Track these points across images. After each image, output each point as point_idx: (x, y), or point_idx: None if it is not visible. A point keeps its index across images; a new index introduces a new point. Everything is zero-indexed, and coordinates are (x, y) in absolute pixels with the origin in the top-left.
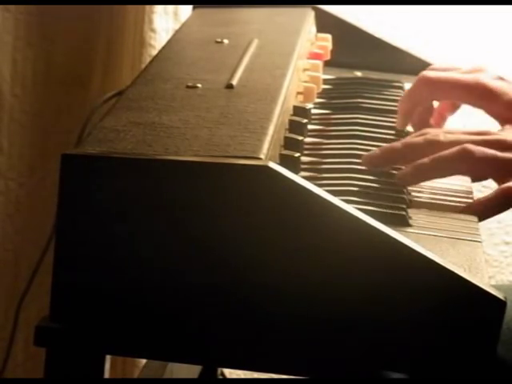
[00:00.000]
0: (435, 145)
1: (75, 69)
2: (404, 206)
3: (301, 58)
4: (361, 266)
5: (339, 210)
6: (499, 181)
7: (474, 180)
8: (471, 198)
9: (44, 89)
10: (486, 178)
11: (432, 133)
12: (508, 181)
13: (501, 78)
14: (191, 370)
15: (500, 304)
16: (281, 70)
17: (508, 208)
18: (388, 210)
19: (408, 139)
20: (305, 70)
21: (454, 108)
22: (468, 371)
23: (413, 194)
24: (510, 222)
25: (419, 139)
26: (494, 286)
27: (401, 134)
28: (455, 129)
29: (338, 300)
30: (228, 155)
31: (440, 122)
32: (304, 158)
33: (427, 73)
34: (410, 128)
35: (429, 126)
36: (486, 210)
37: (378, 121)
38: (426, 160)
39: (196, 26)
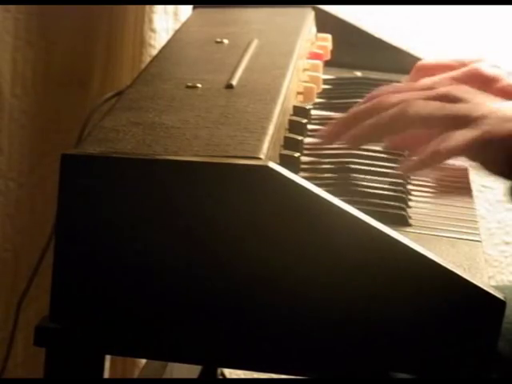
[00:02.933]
0: (385, 105)
1: (75, 69)
2: (404, 206)
3: (301, 58)
4: (361, 266)
5: (339, 210)
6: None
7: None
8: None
9: (44, 89)
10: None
11: (380, 94)
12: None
13: (496, 66)
14: (191, 370)
15: (500, 304)
16: (281, 69)
17: (442, 161)
18: (388, 210)
19: (354, 108)
20: (305, 70)
21: None
22: (468, 371)
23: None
24: (510, 222)
25: (366, 105)
26: (494, 287)
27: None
28: (406, 85)
29: (338, 300)
30: (228, 155)
31: None
32: (304, 158)
33: (423, 61)
34: None
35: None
36: (414, 166)
37: None
38: (371, 119)
39: (196, 26)
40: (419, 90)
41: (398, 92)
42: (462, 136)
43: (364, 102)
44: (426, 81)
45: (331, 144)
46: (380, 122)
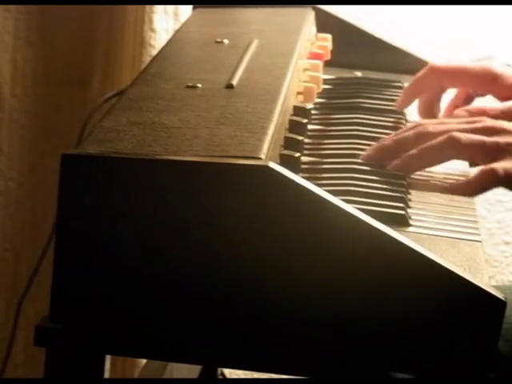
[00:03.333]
0: (424, 136)
1: (75, 69)
2: (404, 206)
3: (301, 58)
4: (361, 266)
5: (339, 209)
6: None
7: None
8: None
9: (44, 89)
10: (475, 164)
11: (422, 125)
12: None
13: (508, 65)
14: (191, 370)
15: (500, 304)
16: (281, 70)
17: (489, 189)
18: (388, 210)
19: (399, 134)
20: (305, 69)
21: (469, 100)
22: (468, 371)
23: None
24: (510, 222)
25: (409, 133)
26: (494, 287)
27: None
28: (447, 119)
29: (338, 300)
30: (228, 155)
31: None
32: (304, 158)
33: (435, 62)
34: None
35: (434, 113)
36: (468, 189)
37: (378, 121)
38: (414, 150)
39: (196, 26)
40: (462, 122)
41: (442, 123)
42: (506, 165)
43: (405, 130)
44: (468, 113)
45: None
46: (425, 152)
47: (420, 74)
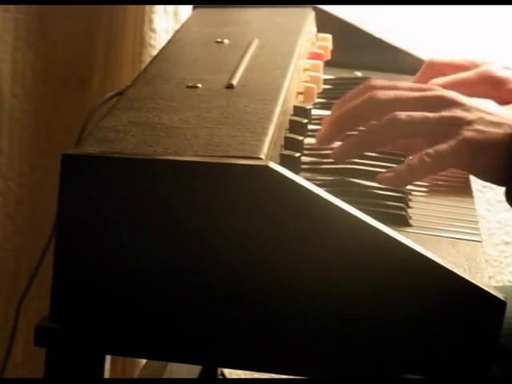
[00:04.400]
0: (375, 105)
1: (75, 69)
2: (404, 206)
3: (301, 58)
4: (361, 266)
5: (339, 209)
6: (434, 141)
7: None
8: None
9: (44, 89)
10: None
11: (373, 87)
12: (440, 142)
13: (507, 68)
14: (191, 370)
15: (500, 304)
16: (281, 70)
17: (423, 176)
18: (388, 210)
19: (348, 104)
20: (305, 70)
21: None
22: (468, 371)
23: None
24: (510, 222)
25: (360, 100)
26: (494, 287)
27: None
28: (397, 82)
29: (338, 300)
30: (228, 155)
31: None
32: (304, 158)
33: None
34: None
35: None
36: (397, 180)
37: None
38: (357, 135)
39: (196, 26)
40: (412, 90)
41: (392, 88)
42: (447, 145)
43: (353, 94)
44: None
45: (328, 146)
46: (368, 136)
47: (420, 71)
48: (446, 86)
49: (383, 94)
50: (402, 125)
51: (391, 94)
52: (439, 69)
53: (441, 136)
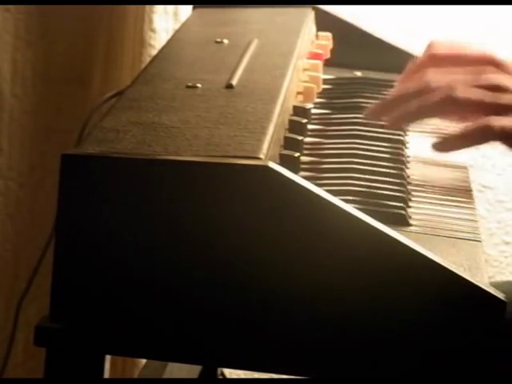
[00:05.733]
0: (426, 91)
1: (75, 69)
2: (404, 206)
3: (301, 58)
4: (361, 266)
5: (339, 209)
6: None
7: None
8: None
9: (44, 89)
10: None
11: (425, 77)
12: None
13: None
14: (191, 370)
15: (500, 304)
16: (281, 70)
17: (482, 143)
18: (388, 210)
19: (401, 88)
20: (305, 69)
21: None
22: (468, 370)
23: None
24: (510, 222)
25: (410, 87)
26: (494, 284)
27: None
28: (453, 69)
29: (338, 300)
30: (228, 155)
31: None
32: (304, 158)
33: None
34: None
35: None
36: (462, 142)
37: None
38: (412, 106)
39: (196, 26)
40: (468, 73)
41: (445, 73)
42: (507, 121)
43: (407, 77)
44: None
45: (377, 121)
46: (427, 104)
47: (419, 61)
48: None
49: (435, 83)
50: (457, 103)
51: (444, 80)
52: (440, 63)
53: (497, 115)
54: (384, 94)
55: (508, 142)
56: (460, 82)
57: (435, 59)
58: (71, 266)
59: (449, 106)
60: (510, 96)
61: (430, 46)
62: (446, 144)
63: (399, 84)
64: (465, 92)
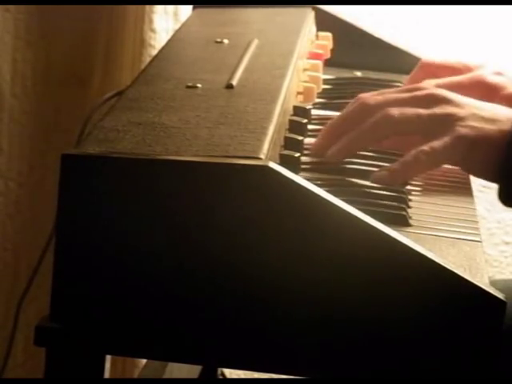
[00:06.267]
0: (366, 109)
1: (75, 69)
2: (404, 206)
3: (301, 58)
4: (361, 266)
5: (339, 209)
6: (428, 138)
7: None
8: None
9: (44, 89)
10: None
11: (363, 98)
12: (434, 138)
13: (499, 73)
14: (191, 370)
15: (500, 304)
16: (281, 70)
17: (417, 174)
18: (388, 210)
19: (342, 112)
20: (305, 70)
21: None
22: (468, 371)
23: None
24: (510, 222)
25: (351, 108)
26: (495, 282)
27: None
28: (386, 90)
29: (338, 300)
30: (228, 155)
31: None
32: (304, 158)
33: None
34: None
35: None
36: (393, 178)
37: None
38: (350, 133)
39: (196, 26)
40: (402, 91)
41: (383, 93)
42: (441, 142)
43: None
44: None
45: (322, 156)
46: (361, 133)
47: (413, 71)
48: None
49: (373, 99)
50: (394, 121)
51: (380, 97)
52: (432, 70)
53: (434, 132)
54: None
55: (452, 159)
56: (396, 98)
57: (428, 68)
58: (71, 266)
59: (386, 126)
60: (442, 108)
61: (421, 64)
62: (389, 177)
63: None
64: (399, 110)
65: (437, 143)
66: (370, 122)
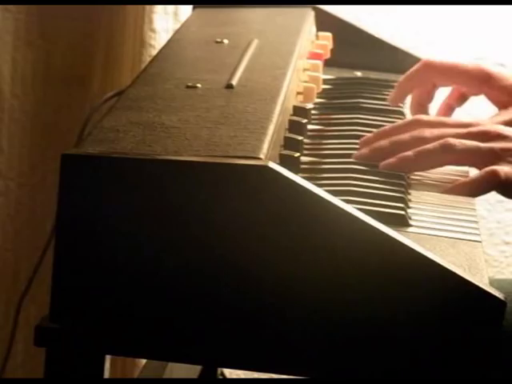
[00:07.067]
0: (420, 141)
1: (75, 69)
2: (404, 206)
3: (301, 58)
4: (361, 266)
5: (339, 209)
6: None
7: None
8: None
9: (44, 89)
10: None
11: (418, 125)
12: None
13: (501, 65)
14: (191, 370)
15: (500, 304)
16: (281, 69)
17: (490, 190)
18: (388, 210)
19: (394, 136)
20: (305, 70)
21: (463, 99)
22: (468, 371)
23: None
24: (510, 222)
25: (406, 136)
26: (495, 282)
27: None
28: (443, 119)
29: (338, 300)
30: (228, 155)
31: (447, 113)
32: (304, 158)
33: (430, 58)
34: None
35: (425, 110)
36: (470, 190)
37: (378, 121)
38: (410, 153)
39: (196, 26)
40: (457, 126)
41: (435, 126)
42: (502, 170)
43: (400, 129)
44: (463, 120)
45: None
46: (424, 151)
47: (413, 68)
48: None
49: (429, 132)
50: (454, 150)
51: (436, 131)
52: (432, 69)
53: (493, 163)
54: (381, 105)
55: (509, 190)
56: (452, 133)
57: (428, 68)
58: (71, 266)
59: (446, 154)
60: (503, 143)
61: (422, 63)
62: (454, 191)
63: (395, 94)
64: (460, 141)
65: (499, 169)
66: (431, 147)
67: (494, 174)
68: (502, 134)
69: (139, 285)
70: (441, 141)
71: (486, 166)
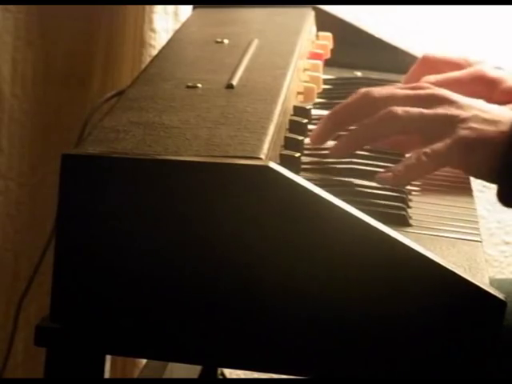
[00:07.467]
0: (369, 101)
1: (75, 69)
2: (404, 206)
3: (301, 58)
4: (361, 266)
5: (339, 209)
6: (428, 138)
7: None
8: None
9: (44, 89)
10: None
11: (367, 90)
12: (435, 140)
13: (499, 68)
14: (191, 370)
15: (500, 304)
16: (281, 69)
17: (421, 176)
18: (388, 210)
19: (345, 101)
20: (305, 69)
21: None
22: (468, 371)
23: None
24: (510, 222)
25: (354, 98)
26: (495, 282)
27: None
28: (393, 85)
29: (338, 300)
30: (228, 155)
31: None
32: (304, 158)
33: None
34: None
35: None
36: (397, 180)
37: None
38: (353, 130)
39: (196, 26)
40: (408, 88)
41: (385, 89)
42: (442, 144)
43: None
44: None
45: (321, 145)
46: (364, 130)
47: (414, 66)
48: (439, 84)
49: (377, 92)
50: (398, 119)
51: (384, 91)
52: (432, 65)
53: (436, 133)
54: None
55: (453, 161)
56: (400, 94)
57: (428, 62)
58: (71, 266)
59: (390, 124)
60: (445, 108)
61: (422, 59)
62: (393, 178)
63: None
64: (403, 109)
65: (438, 145)
66: (374, 119)
67: (419, 160)
68: (448, 98)
69: (139, 285)
70: (384, 110)
71: (433, 133)
